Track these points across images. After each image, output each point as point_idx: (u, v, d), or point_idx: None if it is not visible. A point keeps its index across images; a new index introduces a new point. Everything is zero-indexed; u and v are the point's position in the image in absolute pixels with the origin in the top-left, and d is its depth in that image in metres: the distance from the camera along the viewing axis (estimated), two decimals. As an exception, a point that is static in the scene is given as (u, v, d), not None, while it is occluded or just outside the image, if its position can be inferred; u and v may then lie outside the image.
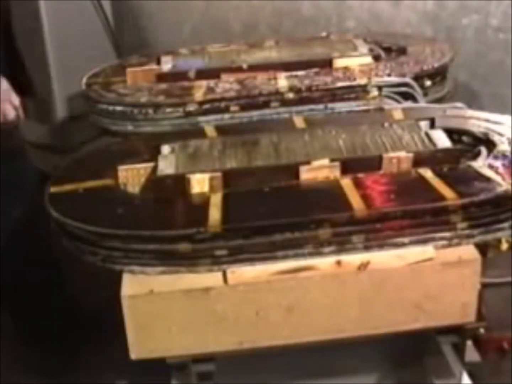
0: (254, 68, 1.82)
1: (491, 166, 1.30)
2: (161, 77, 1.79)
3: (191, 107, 1.63)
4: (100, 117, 1.73)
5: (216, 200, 1.28)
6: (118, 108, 1.68)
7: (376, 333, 1.25)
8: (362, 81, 1.68)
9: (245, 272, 1.19)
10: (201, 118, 1.62)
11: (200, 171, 1.34)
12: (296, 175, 1.33)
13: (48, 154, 2.04)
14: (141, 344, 1.21)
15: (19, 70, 1.68)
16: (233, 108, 1.65)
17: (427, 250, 1.20)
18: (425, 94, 1.71)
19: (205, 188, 1.32)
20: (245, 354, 1.25)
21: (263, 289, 1.18)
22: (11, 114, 1.42)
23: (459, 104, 1.60)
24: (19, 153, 1.74)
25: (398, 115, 1.55)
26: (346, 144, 1.43)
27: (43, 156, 2.03)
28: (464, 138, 1.48)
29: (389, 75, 1.70)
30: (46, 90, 1.97)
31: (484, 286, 1.26)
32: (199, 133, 1.55)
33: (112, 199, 1.35)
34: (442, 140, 1.41)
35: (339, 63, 1.80)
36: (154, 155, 1.45)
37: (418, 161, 1.34)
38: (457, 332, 1.32)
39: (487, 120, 1.50)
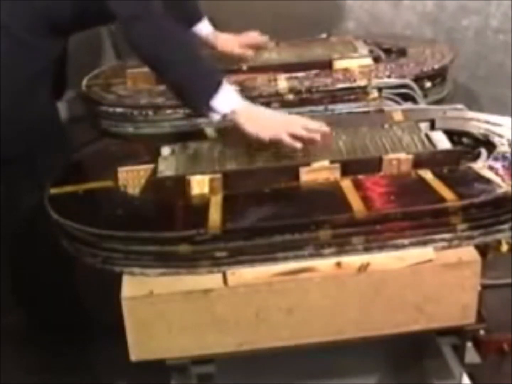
0: (254, 69, 1.82)
1: (491, 168, 1.30)
2: (161, 79, 1.79)
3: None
4: (100, 118, 1.73)
5: (216, 202, 1.28)
6: (118, 109, 1.68)
7: (376, 335, 1.25)
8: (362, 82, 1.68)
9: (245, 274, 1.19)
10: (201, 120, 1.62)
11: (200, 172, 1.34)
12: (296, 176, 1.34)
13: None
14: (141, 345, 1.21)
15: (63, 71, 1.71)
16: (233, 109, 1.65)
17: (427, 252, 1.21)
18: (425, 96, 1.71)
19: (205, 190, 1.32)
20: (245, 355, 1.25)
21: (263, 290, 1.18)
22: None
23: (459, 106, 1.61)
24: None
25: (398, 116, 1.55)
26: (346, 145, 1.43)
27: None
28: (464, 140, 1.48)
29: (389, 76, 1.70)
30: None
31: (484, 287, 1.26)
32: (199, 134, 1.55)
33: (112, 200, 1.36)
34: (442, 142, 1.41)
35: (339, 64, 1.80)
36: (154, 156, 1.45)
37: (418, 162, 1.34)
38: (457, 333, 1.32)
39: (487, 122, 1.50)
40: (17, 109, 1.54)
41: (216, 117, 1.41)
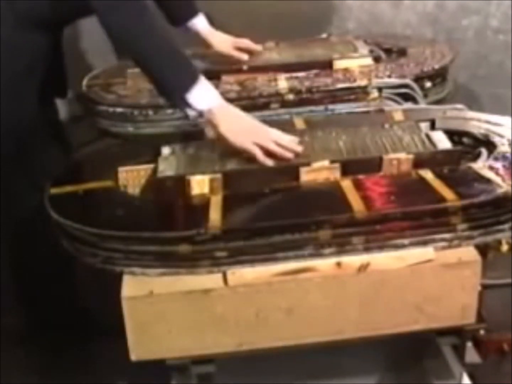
0: (254, 69, 1.82)
1: (491, 168, 1.30)
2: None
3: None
4: (100, 118, 1.73)
5: (216, 202, 1.28)
6: (118, 109, 1.68)
7: (376, 335, 1.25)
8: (362, 82, 1.68)
9: (245, 274, 1.19)
10: (202, 120, 1.62)
11: (200, 172, 1.34)
12: (296, 176, 1.34)
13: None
14: (141, 345, 1.21)
15: (62, 71, 1.70)
16: (233, 109, 1.65)
17: (427, 252, 1.20)
18: (425, 96, 1.71)
19: (205, 190, 1.32)
20: (245, 355, 1.25)
21: (263, 290, 1.18)
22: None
23: (459, 106, 1.61)
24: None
25: (398, 116, 1.55)
26: (346, 145, 1.43)
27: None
28: (465, 140, 1.48)
29: (389, 76, 1.70)
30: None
31: (484, 287, 1.26)
32: (200, 134, 1.55)
33: (112, 200, 1.36)
34: (443, 142, 1.41)
35: (339, 64, 1.80)
36: (154, 156, 1.45)
37: (419, 162, 1.34)
38: (457, 333, 1.32)
39: (488, 122, 1.50)
40: (5, 108, 1.54)
41: (191, 113, 1.40)
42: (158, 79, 1.41)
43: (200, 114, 1.40)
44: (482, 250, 1.22)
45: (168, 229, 1.21)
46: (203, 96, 1.38)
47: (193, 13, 1.83)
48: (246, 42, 1.91)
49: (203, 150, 1.46)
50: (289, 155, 1.38)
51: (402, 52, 1.89)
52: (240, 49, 1.88)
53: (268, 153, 1.37)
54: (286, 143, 1.39)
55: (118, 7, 1.36)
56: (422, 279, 1.20)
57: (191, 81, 1.37)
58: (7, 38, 1.50)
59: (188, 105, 1.38)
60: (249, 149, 1.37)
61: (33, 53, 1.55)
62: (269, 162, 1.36)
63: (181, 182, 1.33)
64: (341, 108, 1.66)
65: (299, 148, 1.39)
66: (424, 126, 1.50)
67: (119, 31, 1.38)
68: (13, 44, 1.51)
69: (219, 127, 1.39)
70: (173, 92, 1.39)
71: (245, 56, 1.86)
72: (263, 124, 1.45)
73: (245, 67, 1.83)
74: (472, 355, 1.33)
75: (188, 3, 1.84)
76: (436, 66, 1.75)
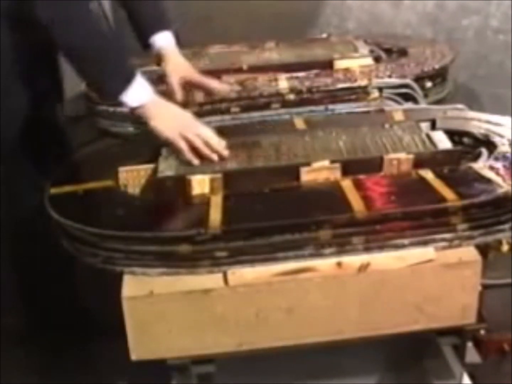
0: (255, 69, 1.82)
1: (491, 168, 1.30)
2: (162, 79, 1.79)
3: (192, 109, 1.63)
4: (100, 118, 1.73)
5: (216, 202, 1.28)
6: (118, 109, 1.68)
7: (376, 335, 1.24)
8: (363, 82, 1.68)
9: (246, 274, 1.19)
10: (202, 120, 1.62)
11: (200, 172, 1.34)
12: (297, 176, 1.33)
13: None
14: (141, 345, 1.21)
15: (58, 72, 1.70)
16: (233, 109, 1.65)
17: (427, 252, 1.20)
18: (426, 96, 1.71)
19: (206, 190, 1.32)
20: (245, 355, 1.25)
21: (263, 290, 1.18)
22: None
23: (459, 106, 1.61)
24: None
25: (398, 116, 1.55)
26: (347, 145, 1.43)
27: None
28: (465, 140, 1.48)
29: (389, 76, 1.70)
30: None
31: (485, 287, 1.26)
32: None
33: (112, 200, 1.36)
34: (443, 142, 1.41)
35: (339, 64, 1.80)
36: (154, 156, 1.45)
37: (419, 162, 1.34)
38: (458, 333, 1.32)
39: (488, 122, 1.50)
40: (4, 108, 1.53)
41: (124, 109, 1.43)
42: (92, 80, 1.45)
43: (133, 109, 1.41)
44: (483, 250, 1.22)
45: (168, 229, 1.21)
46: (137, 94, 1.39)
47: (158, 28, 1.67)
48: (203, 81, 1.67)
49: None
50: (214, 156, 1.39)
51: (403, 52, 1.90)
52: (193, 85, 1.68)
53: (196, 152, 1.39)
54: (213, 142, 1.40)
55: (56, 5, 1.35)
56: (422, 279, 1.19)
57: (126, 83, 1.38)
58: (5, 38, 1.50)
59: (122, 104, 1.40)
60: (175, 141, 1.39)
61: (29, 53, 1.55)
62: (195, 161, 1.38)
63: (181, 182, 1.33)
64: (342, 108, 1.66)
65: (225, 152, 1.41)
66: (425, 126, 1.50)
67: (53, 27, 1.36)
68: (9, 43, 1.51)
69: (150, 120, 1.41)
70: (108, 94, 1.43)
71: (179, 96, 1.64)
72: (196, 120, 1.45)
73: (245, 67, 1.83)
74: (472, 355, 1.33)
75: (156, 17, 1.69)
76: (437, 66, 1.76)
